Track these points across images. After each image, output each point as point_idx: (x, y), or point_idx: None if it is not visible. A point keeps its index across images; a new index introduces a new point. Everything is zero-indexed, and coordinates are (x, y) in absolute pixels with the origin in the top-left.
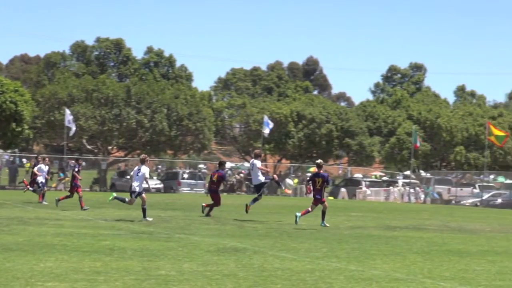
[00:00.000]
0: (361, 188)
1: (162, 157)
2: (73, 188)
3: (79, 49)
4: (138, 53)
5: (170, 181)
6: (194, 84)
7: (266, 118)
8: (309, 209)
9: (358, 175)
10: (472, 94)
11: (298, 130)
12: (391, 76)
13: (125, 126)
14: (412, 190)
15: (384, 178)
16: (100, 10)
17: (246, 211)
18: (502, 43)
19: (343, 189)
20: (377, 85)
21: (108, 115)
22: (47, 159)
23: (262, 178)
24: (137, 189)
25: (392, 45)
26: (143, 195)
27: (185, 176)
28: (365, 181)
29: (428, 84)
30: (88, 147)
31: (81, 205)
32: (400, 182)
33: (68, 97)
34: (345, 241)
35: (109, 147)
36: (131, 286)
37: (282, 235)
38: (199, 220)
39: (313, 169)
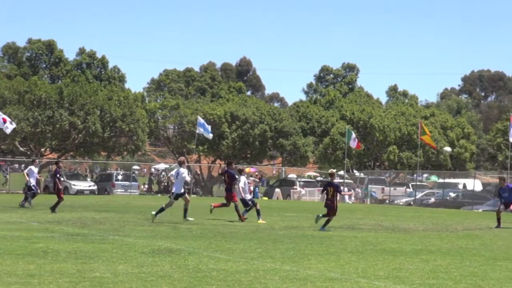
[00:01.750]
0: (295, 188)
1: (95, 159)
2: (59, 192)
3: (10, 50)
4: (70, 55)
5: (104, 182)
6: (127, 86)
7: (200, 120)
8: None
9: (292, 176)
10: (405, 94)
11: (232, 131)
12: (324, 76)
13: (58, 127)
14: (346, 190)
15: (319, 178)
16: (32, 11)
17: (242, 220)
18: (434, 43)
19: (277, 190)
20: (310, 85)
21: (40, 117)
22: (36, 161)
23: (248, 196)
24: (175, 190)
25: (325, 45)
26: (186, 195)
27: (119, 177)
28: (299, 181)
29: (360, 84)
30: (21, 149)
31: (54, 207)
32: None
33: (0, 99)
34: (280, 241)
35: (42, 149)
36: None
37: (217, 236)
38: (133, 222)
39: (248, 169)
